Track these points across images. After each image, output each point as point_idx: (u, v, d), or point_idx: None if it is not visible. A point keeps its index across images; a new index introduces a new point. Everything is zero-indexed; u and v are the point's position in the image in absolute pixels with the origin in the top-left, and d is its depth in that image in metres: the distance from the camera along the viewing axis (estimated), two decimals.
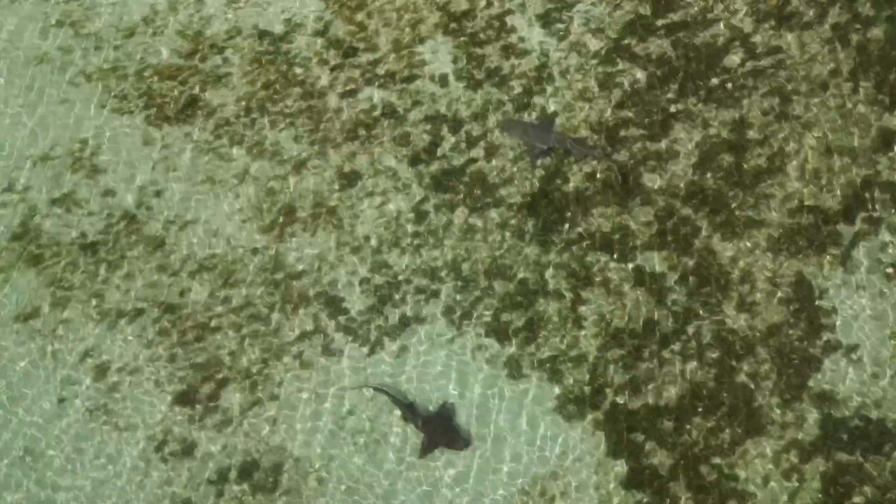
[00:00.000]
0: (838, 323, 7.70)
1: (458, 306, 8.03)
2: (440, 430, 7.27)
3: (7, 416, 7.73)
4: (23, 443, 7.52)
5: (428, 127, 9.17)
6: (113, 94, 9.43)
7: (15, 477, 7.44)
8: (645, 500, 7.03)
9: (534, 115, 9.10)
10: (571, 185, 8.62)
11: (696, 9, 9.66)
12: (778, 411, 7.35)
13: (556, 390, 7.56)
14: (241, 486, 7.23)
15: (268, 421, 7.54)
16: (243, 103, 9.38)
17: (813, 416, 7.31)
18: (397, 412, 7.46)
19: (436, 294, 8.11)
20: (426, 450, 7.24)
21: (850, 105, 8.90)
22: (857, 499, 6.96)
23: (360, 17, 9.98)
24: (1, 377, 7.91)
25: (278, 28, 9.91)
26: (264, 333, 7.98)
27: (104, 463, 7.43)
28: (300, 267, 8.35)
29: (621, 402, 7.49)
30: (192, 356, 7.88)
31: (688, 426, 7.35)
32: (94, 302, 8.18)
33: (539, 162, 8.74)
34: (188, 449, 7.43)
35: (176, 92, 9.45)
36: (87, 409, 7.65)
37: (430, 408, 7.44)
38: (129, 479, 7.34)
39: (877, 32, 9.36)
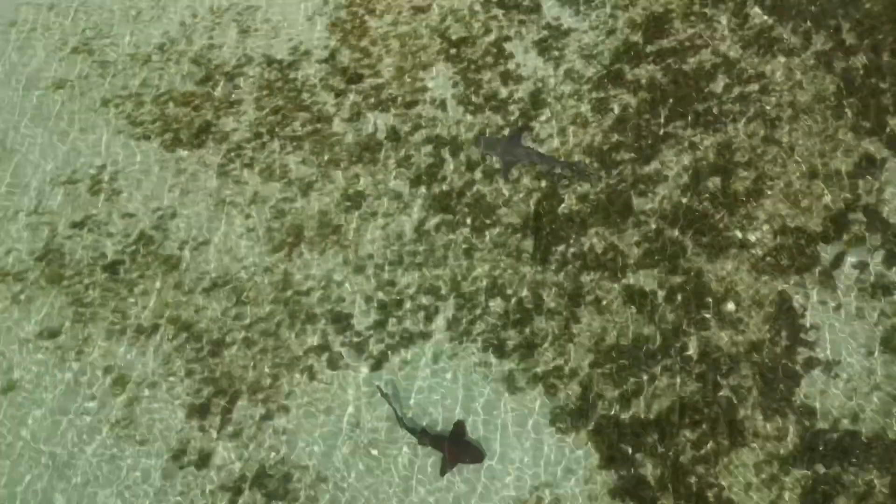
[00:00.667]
0: (818, 340, 8.13)
1: (459, 323, 8.47)
2: (458, 447, 7.63)
3: (30, 428, 8.16)
4: (47, 455, 7.97)
5: (429, 150, 9.62)
6: (130, 120, 9.92)
7: (39, 487, 7.87)
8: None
9: (505, 131, 9.58)
10: (566, 206, 9.07)
11: (684, 35, 10.13)
12: (760, 424, 7.77)
13: (551, 404, 7.98)
14: (255, 495, 7.68)
15: (279, 432, 7.98)
16: (254, 128, 9.86)
17: (793, 428, 7.73)
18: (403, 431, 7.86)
19: (437, 311, 8.54)
20: (447, 468, 7.60)
21: (832, 130, 9.35)
22: None
23: (364, 43, 10.45)
24: (25, 391, 8.34)
25: (287, 56, 10.38)
26: (275, 348, 8.43)
27: (124, 473, 7.86)
28: (308, 285, 8.80)
29: (612, 414, 7.92)
30: (206, 370, 8.33)
31: (675, 438, 7.77)
32: (113, 319, 8.64)
33: (511, 174, 9.23)
34: (204, 459, 7.87)
35: (190, 117, 9.93)
36: (108, 422, 8.10)
37: (444, 429, 7.81)
38: (147, 489, 7.78)
39: (859, 60, 9.81)
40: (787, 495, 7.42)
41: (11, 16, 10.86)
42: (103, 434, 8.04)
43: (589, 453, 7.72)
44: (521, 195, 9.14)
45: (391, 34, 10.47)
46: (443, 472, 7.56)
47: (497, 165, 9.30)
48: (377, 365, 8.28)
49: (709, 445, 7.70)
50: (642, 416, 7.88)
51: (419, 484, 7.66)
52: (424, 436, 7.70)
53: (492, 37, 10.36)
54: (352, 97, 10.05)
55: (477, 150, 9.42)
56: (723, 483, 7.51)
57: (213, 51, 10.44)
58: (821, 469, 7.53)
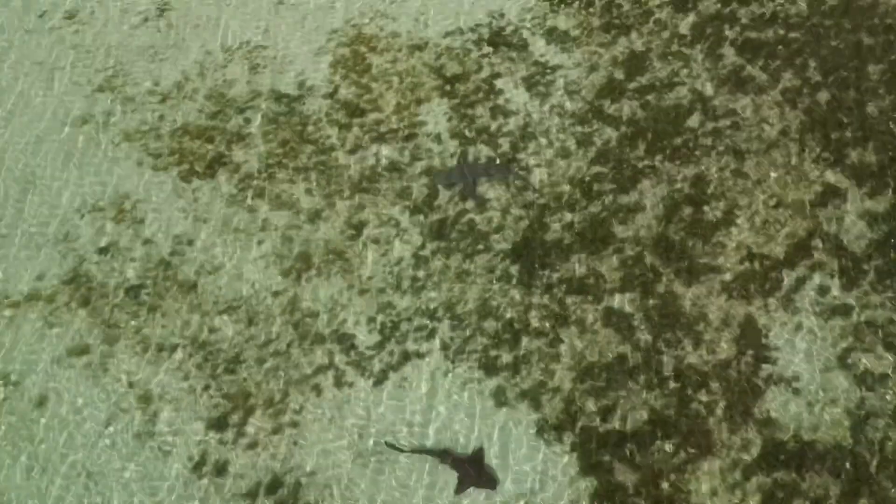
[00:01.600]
0: (780, 358, 8.93)
1: (453, 343, 9.26)
2: (475, 471, 8.32)
3: (63, 440, 8.93)
4: (80, 464, 8.74)
5: (426, 180, 10.41)
6: (150, 152, 10.70)
7: (68, 495, 8.63)
8: None
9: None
10: (551, 234, 9.87)
11: (662, 73, 10.94)
12: (726, 434, 8.56)
13: (537, 417, 8.77)
14: (268, 501, 8.46)
15: (289, 444, 8.76)
16: (263, 160, 10.64)
17: (756, 438, 8.52)
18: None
19: (433, 332, 9.33)
20: (461, 488, 8.30)
21: (796, 163, 10.16)
22: None
23: (365, 80, 11.24)
24: (57, 406, 9.11)
25: (293, 91, 11.17)
26: (285, 367, 9.21)
27: (149, 481, 8.63)
28: (315, 307, 9.58)
29: (592, 426, 8.71)
30: (223, 386, 9.10)
31: (649, 447, 8.57)
32: (137, 339, 9.41)
33: (479, 192, 10.05)
34: (222, 468, 8.65)
35: (204, 150, 10.71)
36: (133, 434, 8.87)
37: (463, 451, 8.50)
38: (170, 496, 8.55)
39: (823, 96, 10.62)
40: (749, 499, 8.22)
41: (41, 56, 11.62)
42: (129, 445, 8.81)
43: (571, 461, 8.50)
44: (510, 223, 9.94)
45: (391, 71, 11.26)
46: (457, 492, 8.28)
47: (460, 189, 10.07)
48: (378, 382, 9.06)
49: (680, 455, 8.49)
50: (620, 427, 8.67)
51: (419, 492, 8.42)
52: (445, 455, 8.41)
53: (483, 74, 11.16)
54: (354, 130, 10.85)
55: (441, 186, 10.16)
56: (691, 489, 8.30)
57: (225, 87, 11.23)
58: (780, 476, 8.32)
